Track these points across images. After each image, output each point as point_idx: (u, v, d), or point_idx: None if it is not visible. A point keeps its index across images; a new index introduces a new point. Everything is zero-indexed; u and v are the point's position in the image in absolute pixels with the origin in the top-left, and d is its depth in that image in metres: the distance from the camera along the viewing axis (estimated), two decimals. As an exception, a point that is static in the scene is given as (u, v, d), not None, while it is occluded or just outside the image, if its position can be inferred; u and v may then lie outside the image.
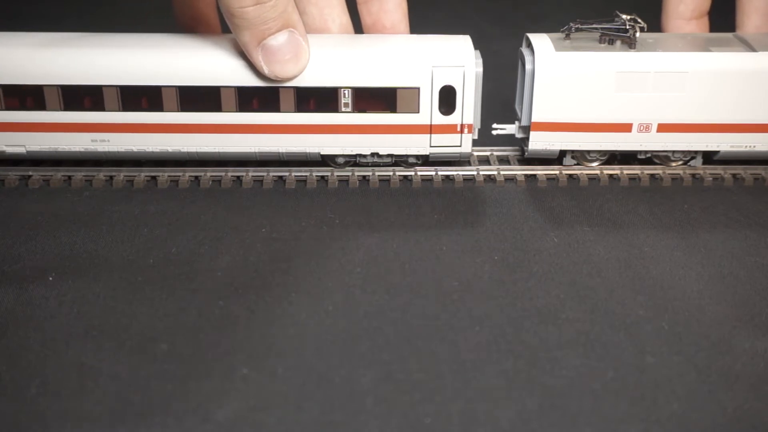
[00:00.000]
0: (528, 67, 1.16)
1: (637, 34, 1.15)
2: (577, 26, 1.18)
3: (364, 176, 1.20)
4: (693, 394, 0.76)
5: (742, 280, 0.95)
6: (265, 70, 1.08)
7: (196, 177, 1.20)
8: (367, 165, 1.21)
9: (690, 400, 0.75)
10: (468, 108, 1.15)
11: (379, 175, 1.20)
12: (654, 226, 1.08)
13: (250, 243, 1.02)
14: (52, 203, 1.13)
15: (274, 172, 1.20)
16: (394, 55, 1.14)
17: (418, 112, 1.15)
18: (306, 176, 1.20)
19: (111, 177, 1.19)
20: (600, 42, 1.17)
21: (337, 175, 1.20)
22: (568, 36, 1.19)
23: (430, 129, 1.16)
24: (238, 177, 1.20)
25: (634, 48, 1.15)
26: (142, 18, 1.92)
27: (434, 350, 0.82)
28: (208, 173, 1.19)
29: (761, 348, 0.82)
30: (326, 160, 1.20)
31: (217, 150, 1.17)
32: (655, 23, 1.28)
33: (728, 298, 0.91)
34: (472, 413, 0.73)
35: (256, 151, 1.17)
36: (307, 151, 1.17)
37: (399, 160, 1.21)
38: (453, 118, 1.15)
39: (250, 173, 1.20)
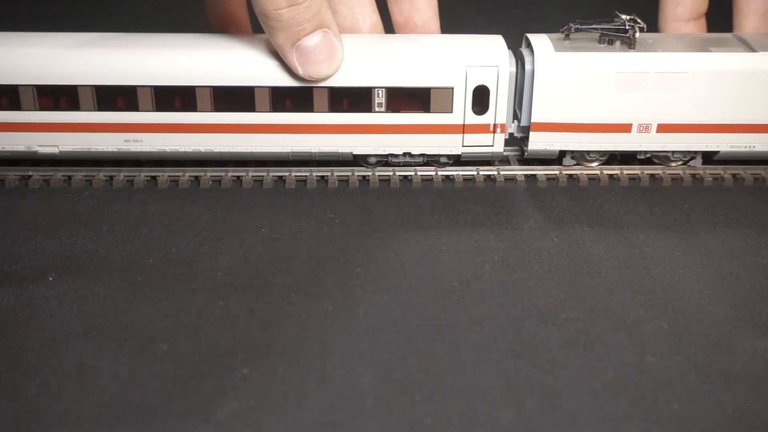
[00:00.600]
0: (528, 67, 1.16)
1: (637, 35, 1.15)
2: (576, 26, 1.18)
3: (364, 176, 1.20)
4: (693, 394, 0.76)
5: (742, 280, 0.95)
6: (300, 71, 1.07)
7: (196, 177, 1.20)
8: (399, 165, 1.21)
9: (690, 400, 0.75)
10: (501, 108, 1.15)
11: (379, 175, 1.20)
12: (654, 226, 1.08)
13: (250, 243, 1.02)
14: (52, 203, 1.13)
15: (274, 172, 1.20)
16: (428, 55, 1.14)
17: (452, 112, 1.15)
18: (306, 176, 1.20)
19: (111, 177, 1.19)
20: (599, 42, 1.17)
21: (337, 175, 1.20)
22: (567, 36, 1.19)
23: (463, 129, 1.16)
24: (238, 177, 1.20)
25: (634, 48, 1.15)
26: (142, 17, 1.92)
27: (434, 350, 0.82)
28: (208, 173, 1.19)
29: (761, 348, 0.82)
30: (358, 160, 1.20)
31: (250, 150, 1.17)
32: (654, 23, 1.28)
33: (728, 298, 0.91)
34: (472, 413, 0.73)
35: (289, 151, 1.17)
36: (340, 150, 1.17)
37: (430, 160, 1.21)
38: (486, 118, 1.15)
39: (250, 173, 1.20)
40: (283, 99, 1.13)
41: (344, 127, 1.15)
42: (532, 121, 1.17)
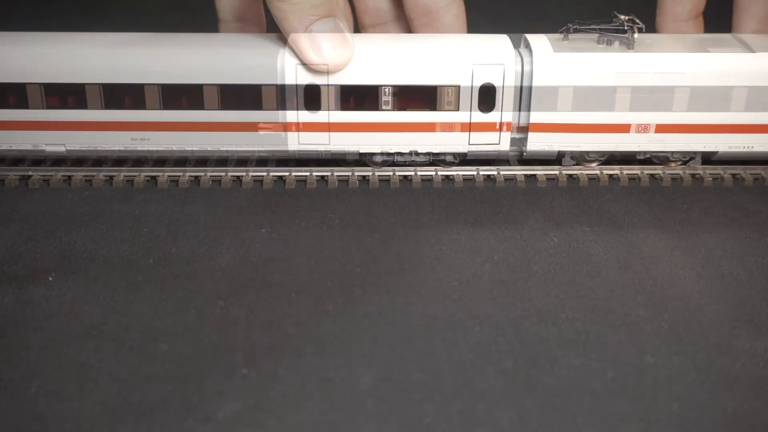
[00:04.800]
0: (526, 68, 1.16)
1: (636, 35, 1.15)
2: (575, 27, 1.18)
3: (364, 176, 1.20)
4: (693, 394, 0.76)
5: (742, 280, 0.95)
6: (313, 58, 1.07)
7: (196, 177, 1.20)
8: (404, 164, 1.20)
9: (690, 400, 0.75)
10: (507, 106, 1.15)
11: (379, 175, 1.20)
12: (654, 226, 1.08)
13: (250, 243, 1.02)
14: (52, 203, 1.13)
15: (274, 172, 1.20)
16: (434, 54, 1.14)
17: (458, 110, 1.15)
18: (306, 176, 1.20)
19: (111, 177, 1.19)
20: (598, 43, 1.17)
21: (337, 175, 1.20)
22: (566, 37, 1.19)
23: (470, 127, 1.16)
24: (238, 177, 1.20)
25: (633, 49, 1.15)
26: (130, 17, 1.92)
27: (434, 350, 0.82)
28: (208, 173, 1.19)
29: (761, 348, 0.82)
30: (364, 159, 1.20)
31: (251, 148, 1.17)
32: (653, 24, 1.28)
33: (728, 298, 0.91)
34: (472, 413, 0.73)
35: (296, 150, 1.17)
36: (347, 149, 1.17)
37: (436, 160, 1.21)
38: (492, 116, 1.15)
39: (250, 173, 1.20)
40: (291, 97, 1.13)
41: (351, 126, 1.15)
42: (531, 121, 1.17)
